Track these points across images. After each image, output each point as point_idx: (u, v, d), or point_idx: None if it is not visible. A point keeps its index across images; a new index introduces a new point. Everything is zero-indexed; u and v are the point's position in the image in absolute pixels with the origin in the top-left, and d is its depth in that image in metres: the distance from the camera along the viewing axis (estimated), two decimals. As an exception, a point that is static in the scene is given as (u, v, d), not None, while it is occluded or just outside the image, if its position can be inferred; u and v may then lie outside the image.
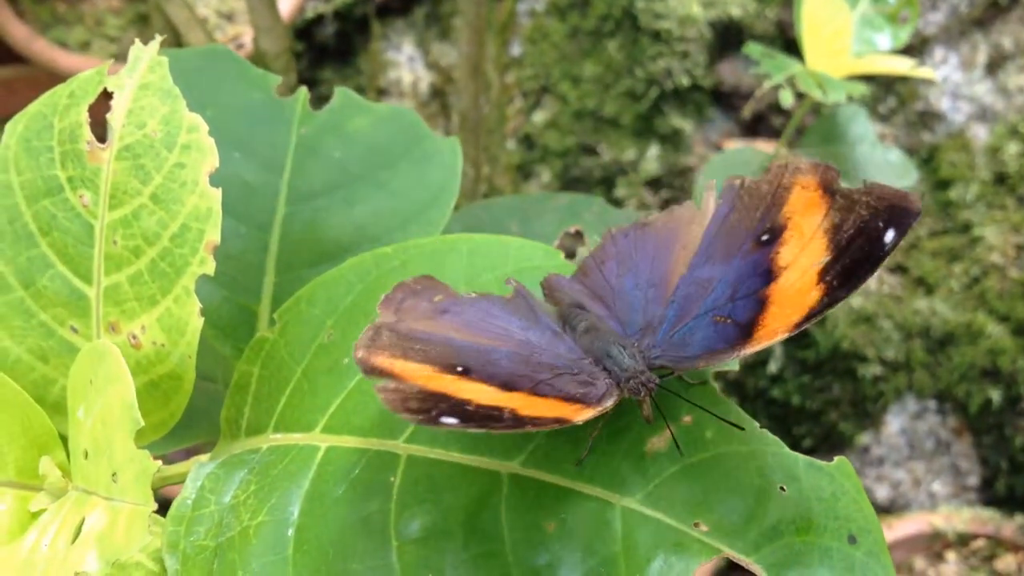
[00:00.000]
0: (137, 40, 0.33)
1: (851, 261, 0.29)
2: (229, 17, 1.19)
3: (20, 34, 1.11)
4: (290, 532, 0.30)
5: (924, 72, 0.74)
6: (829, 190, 0.31)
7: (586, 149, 1.17)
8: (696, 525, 0.28)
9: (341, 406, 0.33)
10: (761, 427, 0.30)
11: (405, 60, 1.28)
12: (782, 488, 0.29)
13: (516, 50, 1.23)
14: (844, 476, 0.29)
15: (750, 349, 0.30)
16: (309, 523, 0.30)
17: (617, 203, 1.14)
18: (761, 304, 0.30)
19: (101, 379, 0.28)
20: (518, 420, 0.27)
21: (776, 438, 0.30)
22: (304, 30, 1.26)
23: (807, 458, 0.29)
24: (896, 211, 0.30)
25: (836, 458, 0.29)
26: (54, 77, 1.13)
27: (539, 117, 1.19)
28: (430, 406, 0.26)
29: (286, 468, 0.32)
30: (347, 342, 0.34)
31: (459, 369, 0.29)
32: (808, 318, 0.29)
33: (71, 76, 0.33)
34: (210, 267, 0.31)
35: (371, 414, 0.32)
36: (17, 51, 1.10)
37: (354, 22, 1.28)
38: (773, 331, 0.30)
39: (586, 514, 0.29)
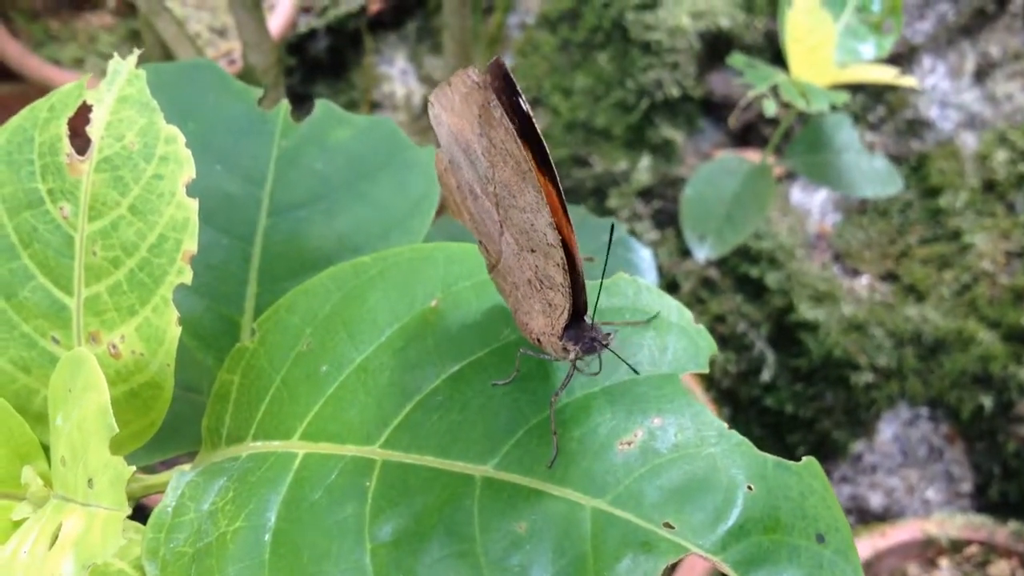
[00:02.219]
0: (116, 54, 0.33)
1: None
2: (221, 33, 1.20)
3: (14, 52, 1.11)
4: (267, 537, 0.31)
5: (907, 80, 0.74)
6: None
7: (578, 160, 1.18)
8: (664, 524, 0.28)
9: (319, 413, 0.33)
10: (755, 436, 0.30)
11: (398, 74, 1.28)
12: (749, 487, 0.29)
13: (507, 62, 1.24)
14: (812, 475, 0.29)
15: None
16: (285, 528, 0.31)
17: (610, 213, 1.14)
18: None
19: (79, 387, 0.29)
20: None
21: (744, 438, 0.30)
22: (297, 45, 1.27)
23: (775, 458, 0.30)
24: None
25: (804, 458, 0.30)
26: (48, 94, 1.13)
27: (531, 129, 1.19)
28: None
29: (264, 475, 0.32)
30: (325, 350, 0.35)
31: None
32: None
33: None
34: (187, 276, 0.32)
35: (348, 420, 0.33)
36: (11, 68, 1.11)
37: (347, 36, 1.29)
38: None
39: (557, 515, 0.29)
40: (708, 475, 0.29)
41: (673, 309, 0.33)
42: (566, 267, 0.30)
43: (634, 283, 0.34)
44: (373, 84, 1.28)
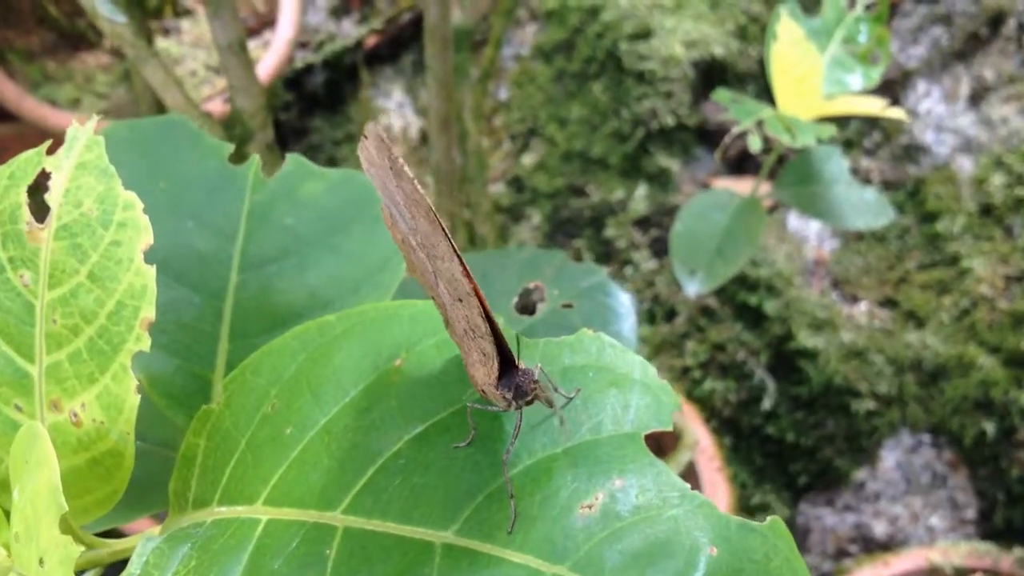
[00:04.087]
0: (74, 120, 0.33)
1: None
2: (218, 71, 1.20)
3: (10, 93, 1.12)
4: (226, 608, 0.30)
5: (895, 112, 0.74)
6: None
7: (575, 190, 1.18)
8: (625, 591, 0.28)
9: (282, 477, 0.33)
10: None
11: (395, 107, 1.29)
12: (712, 550, 0.29)
13: (503, 94, 1.24)
14: (776, 536, 0.29)
15: None
16: (245, 598, 0.31)
17: (607, 243, 1.14)
18: None
19: (33, 461, 0.29)
20: None
21: (707, 499, 0.30)
22: (294, 80, 1.28)
23: (739, 519, 0.29)
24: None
25: (769, 518, 0.29)
26: (44, 134, 1.14)
27: (527, 159, 1.20)
28: None
29: (226, 542, 0.32)
30: (290, 411, 0.34)
31: None
32: None
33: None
34: (146, 344, 0.32)
35: (311, 485, 0.33)
36: (8, 109, 1.12)
37: (343, 71, 1.29)
38: None
39: (516, 583, 0.29)
40: (670, 538, 0.29)
41: (636, 366, 0.33)
42: (484, 315, 0.30)
43: (598, 339, 0.34)
44: (370, 117, 1.28)
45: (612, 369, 0.33)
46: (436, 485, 0.31)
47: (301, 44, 1.29)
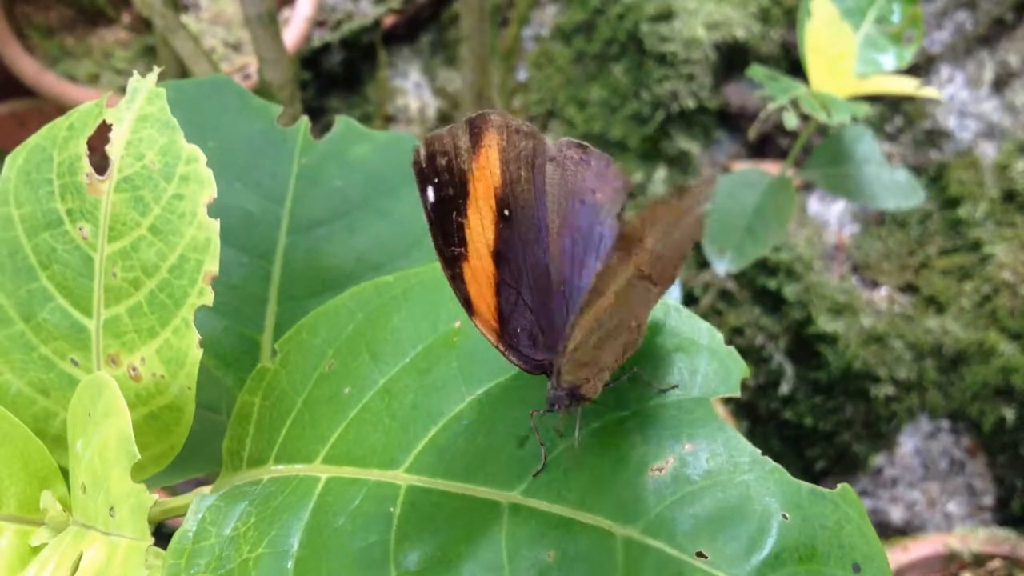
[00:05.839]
0: (136, 72, 0.33)
1: None
2: (236, 47, 1.19)
3: (29, 68, 1.11)
4: (289, 564, 0.30)
5: (929, 92, 0.73)
6: None
7: (594, 172, 1.17)
8: (697, 554, 0.28)
9: (342, 436, 0.33)
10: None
11: (412, 87, 1.28)
12: (784, 516, 0.28)
13: (522, 75, 1.24)
14: (848, 503, 0.29)
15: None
16: (308, 555, 0.30)
17: (625, 226, 1.14)
18: None
19: (99, 412, 0.28)
20: (456, 272, 0.30)
21: (778, 465, 0.29)
22: (311, 59, 1.27)
23: (810, 485, 0.29)
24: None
25: (839, 485, 0.29)
26: (63, 110, 1.13)
27: (546, 141, 1.19)
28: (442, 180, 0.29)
29: (286, 500, 0.32)
30: (348, 371, 0.34)
31: (505, 211, 0.30)
32: None
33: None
34: (209, 298, 0.31)
35: (372, 444, 0.32)
36: (26, 84, 1.11)
37: (361, 50, 1.28)
38: None
39: (587, 544, 0.28)
40: (741, 503, 0.29)
41: (703, 331, 0.33)
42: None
43: (663, 305, 0.33)
44: (387, 98, 1.28)
45: (678, 334, 0.33)
46: (501, 446, 0.31)
47: (318, 23, 1.28)
